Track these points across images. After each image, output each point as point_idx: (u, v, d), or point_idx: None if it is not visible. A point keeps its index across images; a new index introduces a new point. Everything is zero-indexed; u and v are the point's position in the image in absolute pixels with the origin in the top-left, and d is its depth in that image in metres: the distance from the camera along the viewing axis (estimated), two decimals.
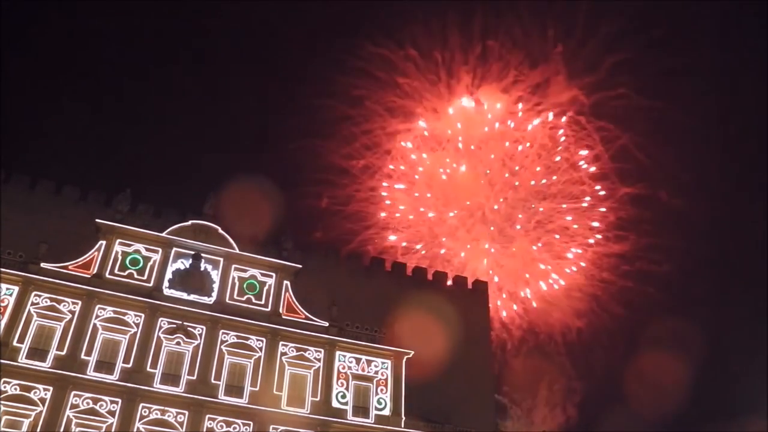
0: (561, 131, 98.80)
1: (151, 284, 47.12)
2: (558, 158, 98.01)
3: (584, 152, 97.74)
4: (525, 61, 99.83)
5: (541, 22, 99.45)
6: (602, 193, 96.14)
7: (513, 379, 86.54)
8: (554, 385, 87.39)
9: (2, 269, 43.60)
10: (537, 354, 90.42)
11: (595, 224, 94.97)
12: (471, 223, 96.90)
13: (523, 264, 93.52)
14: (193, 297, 47.48)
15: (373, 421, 47.07)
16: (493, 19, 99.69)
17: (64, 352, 42.93)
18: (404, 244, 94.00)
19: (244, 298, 49.07)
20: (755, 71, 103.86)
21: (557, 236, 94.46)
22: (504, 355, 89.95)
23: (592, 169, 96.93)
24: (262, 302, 49.31)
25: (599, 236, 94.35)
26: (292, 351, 48.01)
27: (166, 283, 47.39)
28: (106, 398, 42.27)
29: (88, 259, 46.67)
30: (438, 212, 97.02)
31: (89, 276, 45.85)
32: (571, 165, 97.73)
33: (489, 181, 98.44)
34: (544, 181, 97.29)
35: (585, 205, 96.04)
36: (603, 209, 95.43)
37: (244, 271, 50.06)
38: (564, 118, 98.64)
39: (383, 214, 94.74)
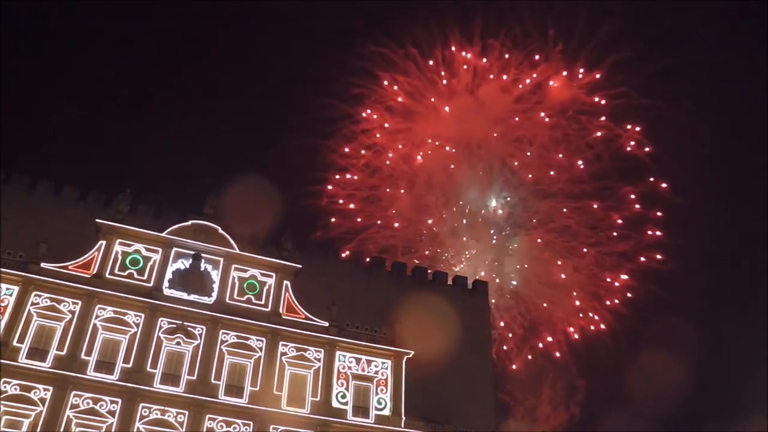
0: (562, 130, 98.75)
1: (151, 284, 47.12)
2: (559, 156, 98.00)
3: (586, 149, 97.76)
4: (525, 61, 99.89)
5: (541, 22, 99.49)
6: (604, 191, 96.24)
7: (516, 378, 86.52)
8: (557, 383, 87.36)
9: (2, 269, 43.60)
10: (540, 353, 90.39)
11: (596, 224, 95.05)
12: (472, 221, 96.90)
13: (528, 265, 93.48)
14: (193, 297, 47.48)
15: (373, 421, 47.08)
16: (494, 18, 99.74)
17: (64, 352, 42.94)
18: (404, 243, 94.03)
19: (244, 298, 49.08)
20: (756, 67, 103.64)
21: (585, 249, 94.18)
22: (507, 354, 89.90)
23: (594, 166, 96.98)
24: (262, 302, 49.32)
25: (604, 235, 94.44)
26: (292, 351, 48.02)
27: (166, 283, 47.39)
28: (106, 398, 42.28)
29: (88, 259, 46.69)
30: (439, 211, 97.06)
31: (89, 276, 45.85)
32: (572, 163, 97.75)
33: (489, 180, 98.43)
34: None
35: (588, 201, 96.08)
36: (606, 207, 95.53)
37: (244, 271, 50.07)
38: (564, 115, 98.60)
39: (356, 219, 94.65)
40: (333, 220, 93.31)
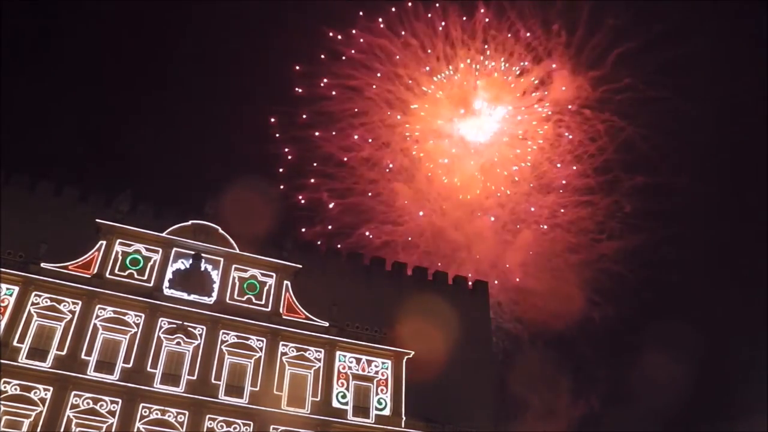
0: (565, 124, 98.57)
1: (151, 284, 47.14)
2: (562, 150, 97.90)
3: (589, 144, 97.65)
4: (528, 56, 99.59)
5: (545, 16, 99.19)
6: (607, 185, 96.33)
7: (531, 371, 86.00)
8: (576, 375, 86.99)
9: (2, 269, 43.62)
10: (554, 347, 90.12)
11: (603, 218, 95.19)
12: (473, 219, 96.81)
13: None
14: (193, 297, 47.50)
15: (373, 421, 47.09)
16: (496, 12, 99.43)
17: (64, 352, 42.96)
18: (405, 239, 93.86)
19: (244, 298, 49.10)
20: (761, 60, 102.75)
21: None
22: (520, 348, 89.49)
23: (598, 161, 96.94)
24: (263, 302, 49.35)
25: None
26: (293, 351, 48.04)
27: (166, 283, 47.41)
28: (107, 398, 42.30)
29: (88, 259, 46.70)
30: (439, 208, 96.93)
31: (89, 276, 45.87)
32: (575, 158, 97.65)
33: (492, 176, 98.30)
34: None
35: (592, 197, 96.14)
36: (611, 201, 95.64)
37: (245, 271, 50.09)
38: (568, 111, 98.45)
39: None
40: (332, 214, 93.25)
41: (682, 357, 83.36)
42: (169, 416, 43.02)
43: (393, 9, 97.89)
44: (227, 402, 44.60)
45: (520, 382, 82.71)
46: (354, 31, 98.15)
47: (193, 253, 48.99)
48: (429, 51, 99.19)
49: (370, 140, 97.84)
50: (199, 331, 46.46)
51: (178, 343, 45.70)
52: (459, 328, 64.57)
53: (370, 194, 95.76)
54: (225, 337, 46.88)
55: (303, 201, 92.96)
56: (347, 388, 47.93)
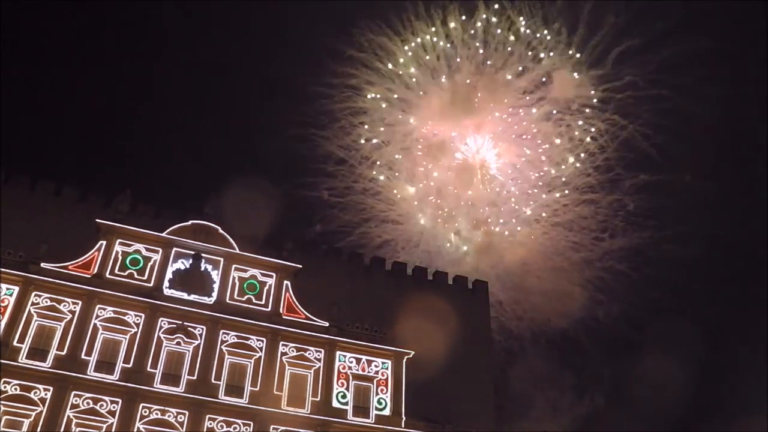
0: (566, 123, 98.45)
1: (151, 284, 47.13)
2: (562, 149, 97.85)
3: (590, 143, 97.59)
4: (529, 54, 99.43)
5: (545, 14, 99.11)
6: (609, 184, 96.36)
7: (534, 370, 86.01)
8: (579, 374, 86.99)
9: (2, 269, 43.59)
10: (557, 346, 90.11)
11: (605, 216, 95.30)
12: (473, 217, 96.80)
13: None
14: (193, 297, 47.50)
15: (373, 421, 47.07)
16: (496, 10, 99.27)
17: (64, 352, 42.94)
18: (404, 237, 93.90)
19: (244, 298, 49.10)
20: (761, 60, 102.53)
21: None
22: (522, 347, 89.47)
23: (599, 159, 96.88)
24: (263, 302, 49.35)
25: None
26: (293, 351, 48.04)
27: (166, 283, 47.41)
28: (107, 398, 42.28)
29: (88, 259, 46.69)
30: (439, 206, 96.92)
31: (89, 276, 45.86)
32: (576, 156, 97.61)
33: (492, 175, 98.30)
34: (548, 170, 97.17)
35: (593, 195, 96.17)
36: (613, 200, 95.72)
37: (245, 271, 50.08)
38: (569, 110, 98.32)
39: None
40: (332, 212, 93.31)
41: (685, 356, 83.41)
42: (169, 416, 43.01)
43: (393, 7, 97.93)
44: (227, 402, 44.58)
45: (522, 381, 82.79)
46: (353, 29, 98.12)
47: (193, 253, 48.99)
48: (429, 50, 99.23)
49: (369, 139, 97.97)
50: (199, 331, 46.45)
51: (178, 343, 45.70)
52: (459, 328, 64.64)
53: (369, 193, 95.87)
54: (225, 337, 46.87)
55: (303, 200, 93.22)
56: (347, 388, 47.93)
